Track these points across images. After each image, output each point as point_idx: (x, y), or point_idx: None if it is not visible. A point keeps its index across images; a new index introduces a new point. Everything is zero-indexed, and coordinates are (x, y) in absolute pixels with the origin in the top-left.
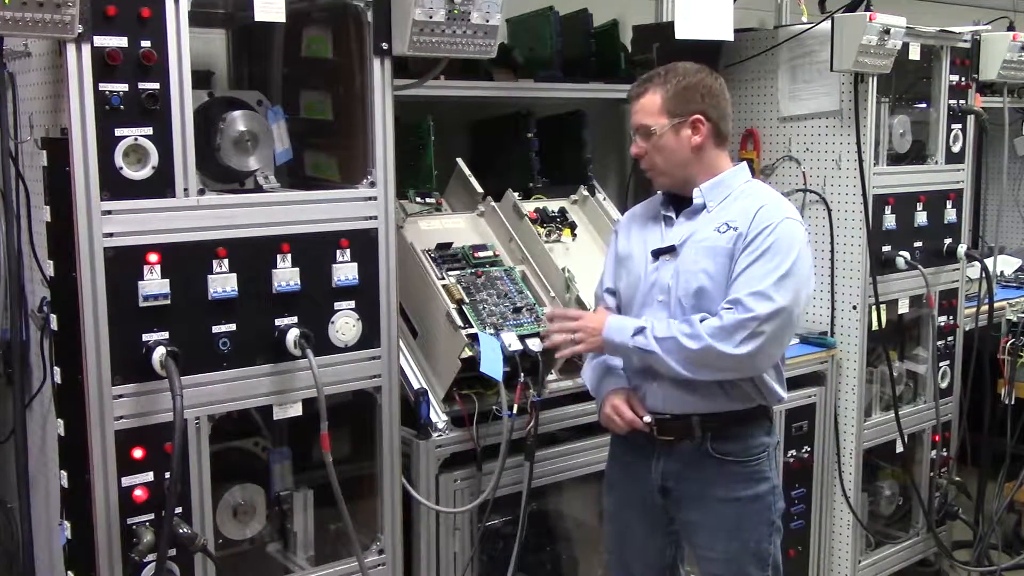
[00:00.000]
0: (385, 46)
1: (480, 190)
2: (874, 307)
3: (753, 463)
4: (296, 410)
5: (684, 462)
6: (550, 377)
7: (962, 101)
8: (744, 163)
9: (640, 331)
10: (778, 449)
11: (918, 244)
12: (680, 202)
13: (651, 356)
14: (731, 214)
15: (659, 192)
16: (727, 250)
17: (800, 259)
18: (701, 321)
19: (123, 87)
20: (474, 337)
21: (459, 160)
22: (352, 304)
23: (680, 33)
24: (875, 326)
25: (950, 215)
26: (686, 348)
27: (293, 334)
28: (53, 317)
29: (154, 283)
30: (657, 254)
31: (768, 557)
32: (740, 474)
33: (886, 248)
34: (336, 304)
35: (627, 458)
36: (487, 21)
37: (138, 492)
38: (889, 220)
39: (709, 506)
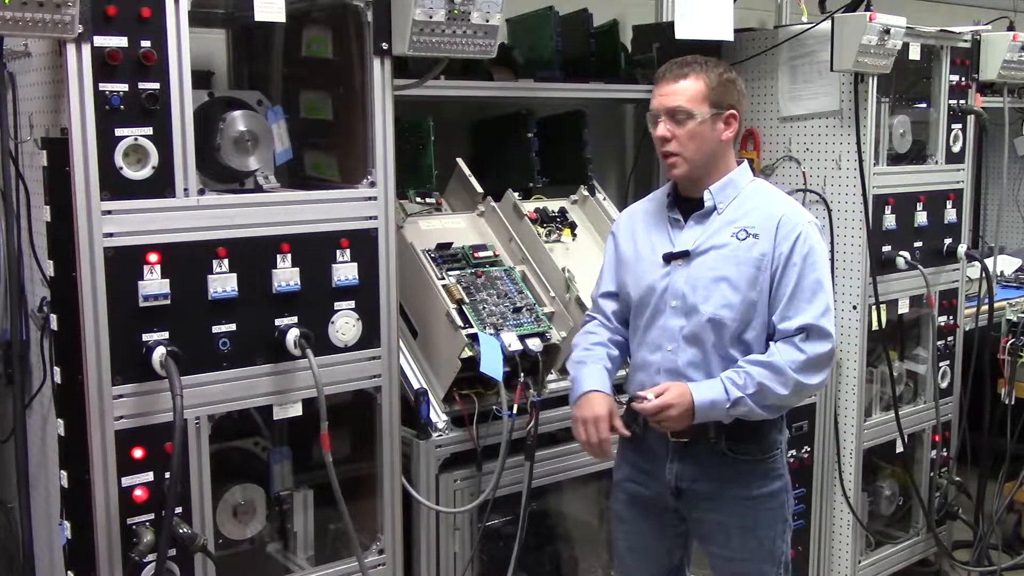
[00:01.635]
0: (385, 46)
1: (480, 190)
2: (874, 307)
3: (768, 460)
4: (296, 410)
5: (700, 463)
6: (550, 377)
7: (962, 101)
8: (745, 161)
9: (737, 403)
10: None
11: (918, 244)
12: (684, 203)
13: (747, 415)
14: (746, 219)
15: (661, 192)
16: (753, 260)
17: (827, 265)
18: (773, 355)
19: (123, 87)
20: (474, 337)
21: (459, 160)
22: (352, 304)
23: (680, 33)
24: (875, 326)
25: (950, 215)
26: (778, 393)
27: (293, 334)
28: (53, 317)
29: (154, 283)
30: (669, 259)
31: (782, 556)
32: (756, 472)
33: (886, 248)
34: (336, 304)
35: (638, 460)
36: (487, 21)
37: (138, 492)
38: (889, 220)
39: (725, 505)
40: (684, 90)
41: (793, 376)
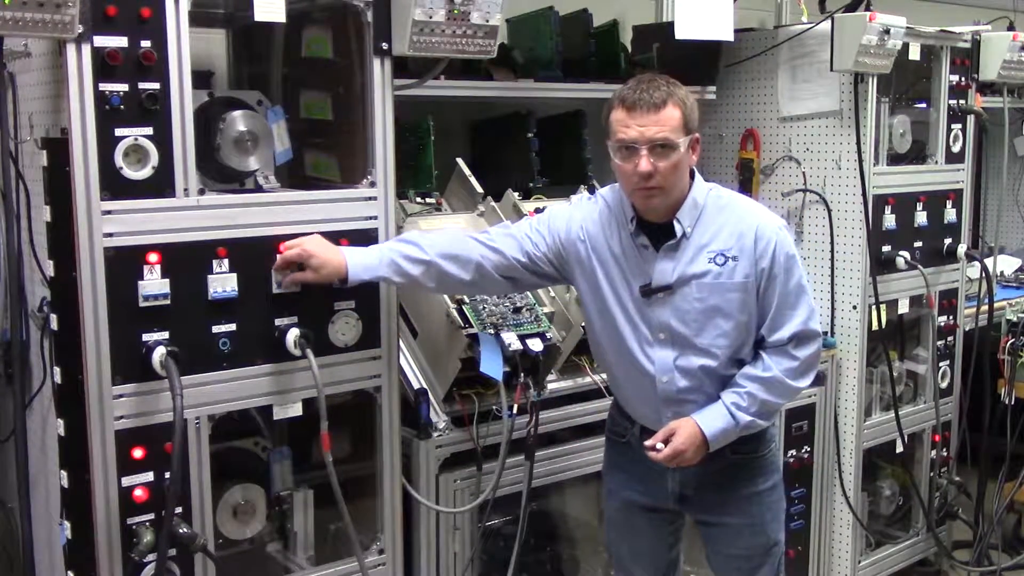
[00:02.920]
0: (385, 46)
1: (480, 190)
2: (874, 307)
3: (768, 454)
4: (296, 410)
5: (704, 469)
6: (550, 377)
7: (962, 101)
8: (695, 170)
9: (747, 426)
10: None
11: (918, 244)
12: (648, 226)
13: (754, 430)
14: (718, 241)
15: (618, 207)
16: (738, 284)
17: (801, 264)
18: (770, 368)
19: (123, 87)
20: (474, 337)
21: (459, 160)
22: (352, 304)
23: (680, 33)
24: (875, 326)
25: (950, 215)
26: (779, 403)
27: (293, 334)
28: (53, 317)
29: (154, 283)
30: (648, 292)
31: (782, 547)
32: (757, 468)
33: (886, 248)
34: (336, 304)
35: (635, 470)
36: (487, 21)
37: (138, 492)
38: (889, 220)
39: (735, 506)
40: (667, 120)
41: (791, 384)
